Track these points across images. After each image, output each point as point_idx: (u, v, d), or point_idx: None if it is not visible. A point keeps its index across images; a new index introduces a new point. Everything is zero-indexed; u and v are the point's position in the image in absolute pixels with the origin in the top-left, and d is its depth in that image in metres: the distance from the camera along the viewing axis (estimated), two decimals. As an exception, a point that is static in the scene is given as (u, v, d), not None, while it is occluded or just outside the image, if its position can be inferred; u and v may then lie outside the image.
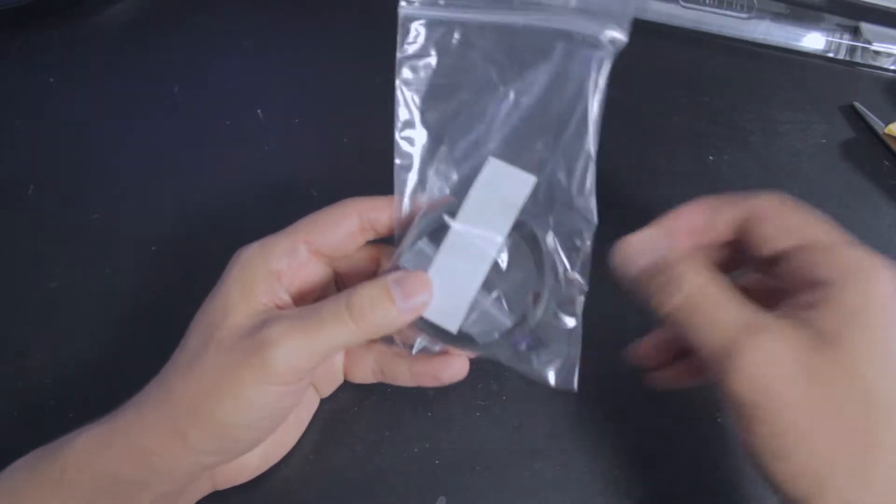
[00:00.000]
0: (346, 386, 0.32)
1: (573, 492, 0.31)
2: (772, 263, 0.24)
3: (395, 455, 0.31)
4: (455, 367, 0.28)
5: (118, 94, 0.40)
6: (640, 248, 0.25)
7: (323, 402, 0.32)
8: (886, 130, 0.43)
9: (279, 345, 0.22)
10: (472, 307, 0.26)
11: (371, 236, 0.28)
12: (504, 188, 0.26)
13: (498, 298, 0.26)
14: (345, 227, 0.27)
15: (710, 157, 0.41)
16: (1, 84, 0.40)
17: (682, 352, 0.29)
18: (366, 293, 0.24)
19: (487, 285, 0.26)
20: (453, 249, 0.26)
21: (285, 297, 0.26)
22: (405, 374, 0.29)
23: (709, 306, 0.22)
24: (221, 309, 0.24)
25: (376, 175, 0.39)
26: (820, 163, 0.42)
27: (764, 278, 0.26)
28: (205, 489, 0.27)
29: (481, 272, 0.26)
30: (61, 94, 0.40)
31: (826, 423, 0.20)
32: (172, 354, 0.25)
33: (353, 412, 0.32)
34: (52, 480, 0.23)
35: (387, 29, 0.45)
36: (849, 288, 0.21)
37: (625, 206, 0.39)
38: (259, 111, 0.40)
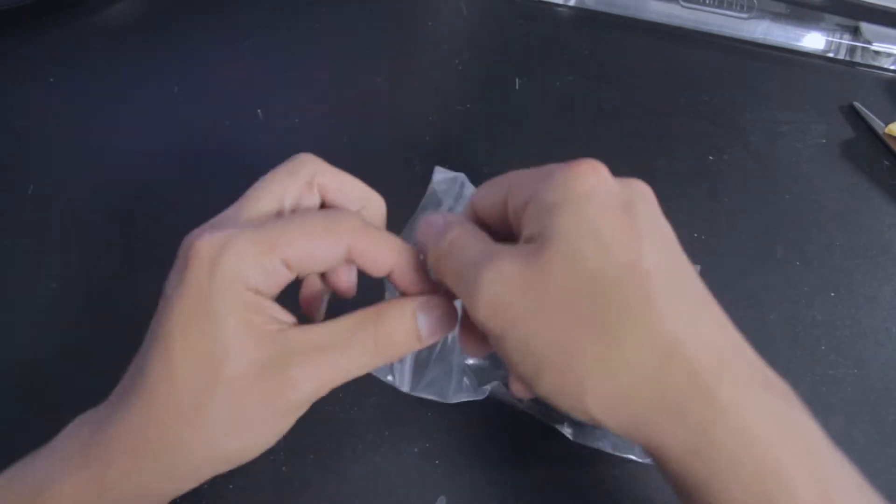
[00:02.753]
0: (347, 386, 0.32)
1: (573, 492, 0.31)
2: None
3: (395, 455, 0.31)
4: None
5: (118, 94, 0.40)
6: (428, 222, 0.25)
7: (323, 401, 0.32)
8: (886, 130, 0.43)
9: (304, 384, 0.22)
10: None
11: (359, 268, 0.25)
12: None
13: None
14: (331, 257, 0.23)
15: (710, 157, 0.41)
16: (1, 84, 0.40)
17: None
18: (396, 329, 0.23)
19: None
20: None
21: (276, 311, 0.23)
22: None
23: (461, 248, 0.23)
24: (217, 342, 0.21)
25: (376, 175, 0.39)
26: (820, 163, 0.42)
27: None
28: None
29: None
30: (61, 94, 0.40)
31: (556, 316, 0.20)
32: (143, 379, 0.22)
33: (353, 412, 0.32)
34: None
35: (387, 29, 0.45)
36: (546, 190, 0.22)
37: (625, 206, 0.39)
38: (259, 111, 0.40)
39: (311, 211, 0.25)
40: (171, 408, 0.22)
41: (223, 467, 0.23)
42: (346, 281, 0.26)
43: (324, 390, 0.23)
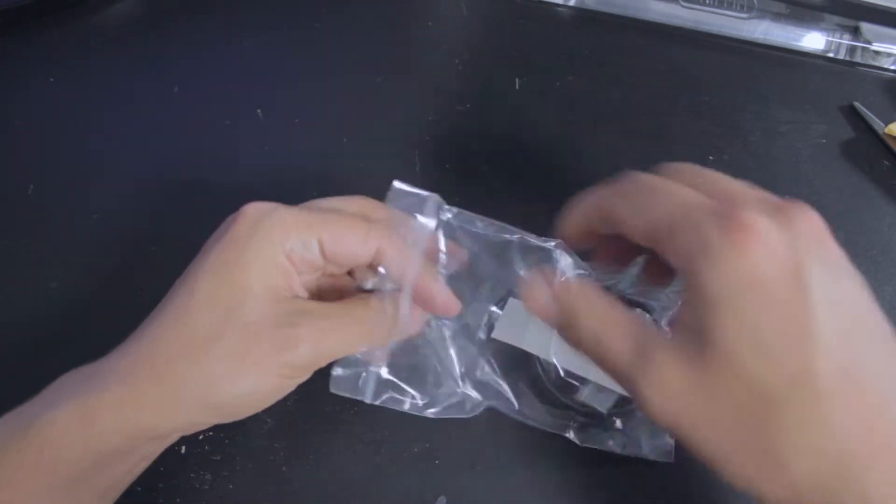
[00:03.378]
0: (346, 386, 0.32)
1: (573, 492, 0.31)
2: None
3: (395, 455, 0.31)
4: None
5: (118, 94, 0.40)
6: (532, 287, 0.25)
7: (323, 401, 0.32)
8: (886, 130, 0.43)
9: (306, 345, 0.24)
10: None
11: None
12: None
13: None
14: (359, 254, 0.26)
15: (710, 157, 0.41)
16: (1, 84, 0.40)
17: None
18: (387, 318, 0.26)
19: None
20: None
21: (298, 284, 0.25)
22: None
23: (602, 342, 0.22)
24: (241, 289, 0.23)
25: (377, 175, 0.39)
26: (820, 163, 0.42)
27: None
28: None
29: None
30: (61, 94, 0.40)
31: (727, 425, 0.20)
32: (160, 316, 0.24)
33: (353, 412, 0.32)
34: (31, 462, 0.22)
35: (387, 29, 0.45)
36: (701, 277, 0.20)
37: (625, 206, 0.39)
38: (259, 111, 0.40)
39: (352, 212, 0.27)
40: (179, 341, 0.23)
41: (214, 416, 0.24)
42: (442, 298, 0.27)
43: (321, 358, 0.25)
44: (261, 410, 0.25)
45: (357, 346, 0.26)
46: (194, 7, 0.44)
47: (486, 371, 0.31)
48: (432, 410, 0.30)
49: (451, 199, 0.38)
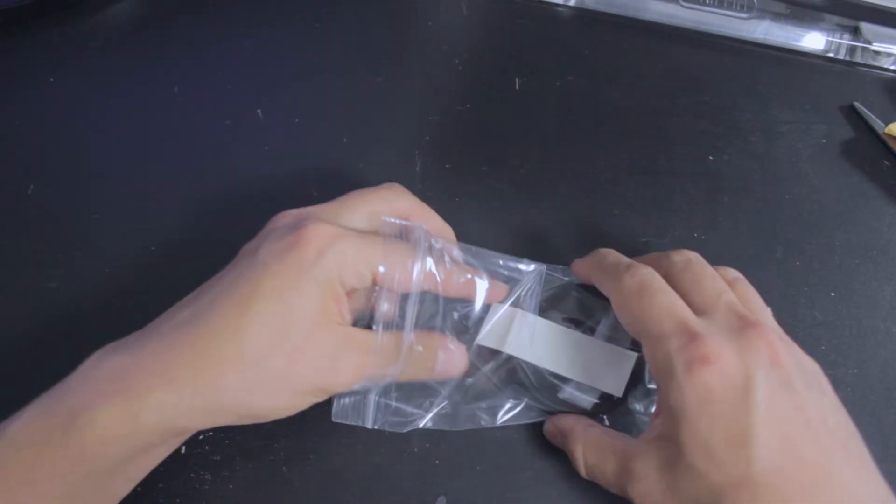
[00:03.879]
0: (346, 386, 0.32)
1: (573, 492, 0.31)
2: None
3: (395, 455, 0.31)
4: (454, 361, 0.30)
5: (118, 93, 0.40)
6: (549, 430, 0.31)
7: (322, 402, 0.32)
8: (886, 130, 0.43)
9: (347, 375, 0.26)
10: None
11: None
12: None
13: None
14: (408, 283, 0.27)
15: (710, 157, 0.41)
16: (1, 84, 0.40)
17: None
18: (418, 355, 0.28)
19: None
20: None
21: (347, 310, 0.26)
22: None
23: (596, 466, 0.28)
24: (297, 315, 0.24)
25: (377, 175, 0.39)
26: (820, 163, 0.42)
27: None
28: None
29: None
30: (61, 94, 0.40)
31: None
32: (206, 324, 0.24)
33: (353, 412, 0.32)
34: (73, 456, 0.22)
35: (387, 29, 0.45)
36: (669, 394, 0.25)
37: (625, 207, 0.39)
38: (259, 111, 0.40)
39: (401, 239, 0.28)
40: (227, 356, 0.23)
41: (239, 421, 0.25)
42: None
43: (351, 387, 0.27)
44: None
45: (385, 379, 0.28)
46: (194, 7, 0.44)
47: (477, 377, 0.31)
48: (425, 422, 0.31)
49: (450, 199, 0.38)
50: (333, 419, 0.29)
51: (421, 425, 0.30)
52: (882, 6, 0.49)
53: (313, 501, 0.29)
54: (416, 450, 0.31)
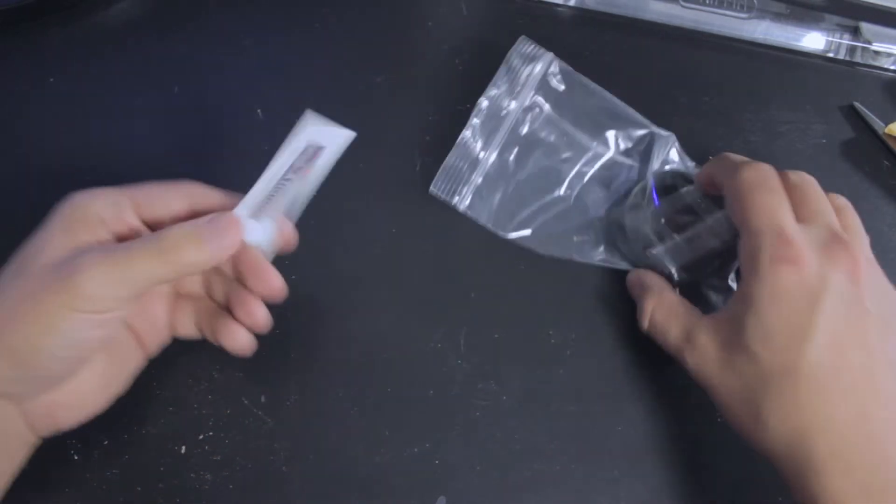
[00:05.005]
0: (346, 386, 0.32)
1: (573, 492, 0.31)
2: None
3: (395, 455, 0.31)
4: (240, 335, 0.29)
5: (118, 93, 0.40)
6: (632, 279, 0.35)
7: (323, 402, 0.32)
8: (886, 130, 0.43)
9: (87, 270, 0.23)
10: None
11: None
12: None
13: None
14: (174, 208, 0.27)
15: (710, 157, 0.41)
16: (1, 84, 0.40)
17: None
18: (178, 230, 0.25)
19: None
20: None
21: (107, 238, 0.26)
22: (224, 332, 0.28)
23: (661, 324, 0.32)
24: (39, 244, 0.25)
25: (376, 175, 0.39)
26: (820, 163, 0.42)
27: None
28: (23, 434, 0.26)
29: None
30: (61, 94, 0.40)
31: (737, 392, 0.28)
32: None
33: (353, 412, 0.32)
34: None
35: (387, 28, 0.45)
36: (749, 284, 0.27)
37: (625, 206, 0.39)
38: (259, 111, 0.40)
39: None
40: None
41: (25, 370, 0.23)
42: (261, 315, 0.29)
43: (110, 285, 0.23)
44: (78, 366, 0.25)
45: (155, 273, 0.24)
46: (194, 7, 0.44)
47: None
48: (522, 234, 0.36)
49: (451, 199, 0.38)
50: (430, 189, 0.36)
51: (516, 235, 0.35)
52: (882, 6, 0.49)
53: (313, 501, 0.29)
54: (416, 450, 0.31)
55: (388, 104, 0.42)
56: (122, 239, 0.26)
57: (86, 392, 0.26)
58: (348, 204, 0.38)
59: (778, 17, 0.47)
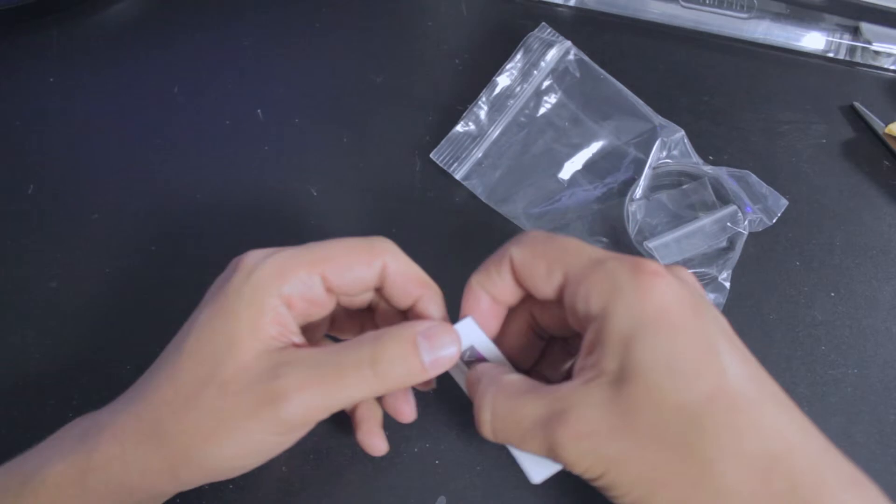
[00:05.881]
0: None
1: (574, 491, 0.31)
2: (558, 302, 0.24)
3: (395, 455, 0.31)
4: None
5: (118, 94, 0.40)
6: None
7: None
8: (886, 130, 0.43)
9: (294, 398, 0.21)
10: None
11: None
12: None
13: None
14: (366, 277, 0.24)
15: (710, 157, 0.41)
16: (1, 84, 0.40)
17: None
18: (392, 350, 0.22)
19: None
20: None
21: (296, 331, 0.23)
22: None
23: (511, 423, 0.23)
24: (226, 341, 0.22)
25: (377, 175, 0.39)
26: (820, 163, 0.42)
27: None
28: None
29: None
30: (61, 94, 0.40)
31: (654, 451, 0.20)
32: (154, 371, 0.23)
33: (353, 412, 0.32)
34: None
35: (387, 29, 0.45)
36: (614, 315, 0.21)
37: (625, 206, 0.39)
38: (259, 111, 0.40)
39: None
40: (165, 399, 0.22)
41: (199, 476, 0.23)
42: (405, 404, 0.27)
43: (317, 412, 0.22)
44: (259, 466, 0.24)
45: (363, 394, 0.23)
46: (194, 7, 0.44)
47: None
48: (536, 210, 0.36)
49: (451, 199, 0.38)
50: (430, 155, 0.37)
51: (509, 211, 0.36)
52: (882, 6, 0.49)
53: (313, 501, 0.29)
54: (416, 450, 0.31)
55: (388, 104, 0.42)
56: (308, 326, 0.24)
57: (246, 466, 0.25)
58: (348, 204, 0.38)
59: (778, 17, 0.47)
